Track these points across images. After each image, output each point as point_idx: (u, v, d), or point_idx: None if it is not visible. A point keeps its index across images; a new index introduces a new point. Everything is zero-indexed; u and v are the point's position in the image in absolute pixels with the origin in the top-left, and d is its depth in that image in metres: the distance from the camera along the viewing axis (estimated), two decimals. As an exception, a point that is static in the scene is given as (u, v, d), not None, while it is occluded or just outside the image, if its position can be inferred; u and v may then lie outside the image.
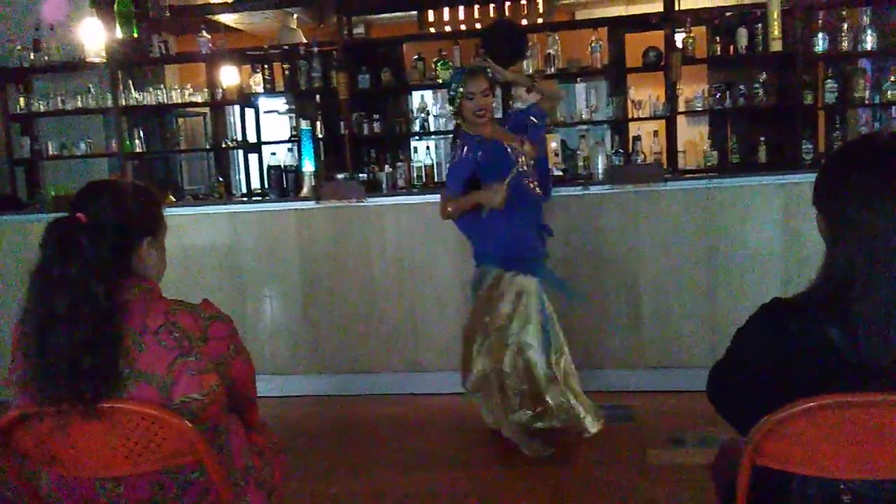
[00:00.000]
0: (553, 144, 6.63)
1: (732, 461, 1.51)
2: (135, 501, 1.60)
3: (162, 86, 6.65)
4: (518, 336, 3.32)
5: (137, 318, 1.56)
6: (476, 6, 7.06)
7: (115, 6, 5.07)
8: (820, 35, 5.54)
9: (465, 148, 3.33)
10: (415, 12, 7.07)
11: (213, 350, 1.62)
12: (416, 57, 6.40)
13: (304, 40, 6.94)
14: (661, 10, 5.73)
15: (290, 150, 6.63)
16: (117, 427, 1.50)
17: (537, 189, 3.45)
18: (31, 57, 6.32)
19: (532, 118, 3.53)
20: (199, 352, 1.58)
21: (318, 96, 6.52)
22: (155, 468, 1.56)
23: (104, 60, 5.93)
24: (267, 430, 1.97)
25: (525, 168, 3.37)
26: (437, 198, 3.75)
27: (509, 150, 3.35)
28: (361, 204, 4.35)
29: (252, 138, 6.71)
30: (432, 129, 6.53)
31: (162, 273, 1.75)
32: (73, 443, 1.53)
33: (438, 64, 6.29)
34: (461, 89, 3.34)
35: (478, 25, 6.79)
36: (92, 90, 6.41)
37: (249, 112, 6.68)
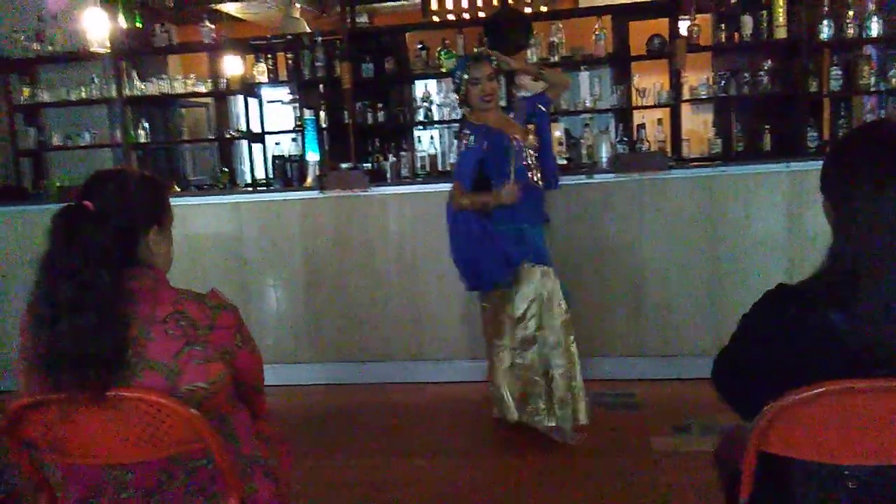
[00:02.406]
0: (557, 133, 6.61)
1: (736, 448, 1.51)
2: (142, 488, 1.61)
3: (165, 76, 6.65)
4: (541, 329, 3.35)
5: (145, 306, 1.57)
6: (480, -6, 7.02)
7: (118, -4, 5.07)
8: (825, 22, 5.52)
9: (473, 137, 3.32)
10: (418, 1, 7.03)
11: (219, 339, 1.62)
12: (420, 46, 6.39)
13: (308, 30, 6.92)
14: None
15: (294, 139, 6.63)
16: (124, 415, 1.51)
17: (540, 181, 3.43)
18: (36, 47, 6.32)
19: (540, 105, 3.51)
20: (205, 341, 1.59)
21: (321, 86, 6.51)
22: (162, 455, 1.57)
23: (108, 50, 5.93)
24: (272, 419, 1.98)
25: (528, 161, 3.36)
26: (441, 187, 3.76)
27: (512, 142, 3.31)
28: (365, 193, 4.35)
29: (256, 128, 6.71)
30: (436, 118, 6.51)
31: (169, 262, 1.75)
32: (81, 430, 1.54)
33: (442, 53, 6.27)
34: (465, 76, 3.33)
35: (481, 14, 6.75)
36: (96, 80, 6.42)
37: (253, 102, 6.68)
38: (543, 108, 3.52)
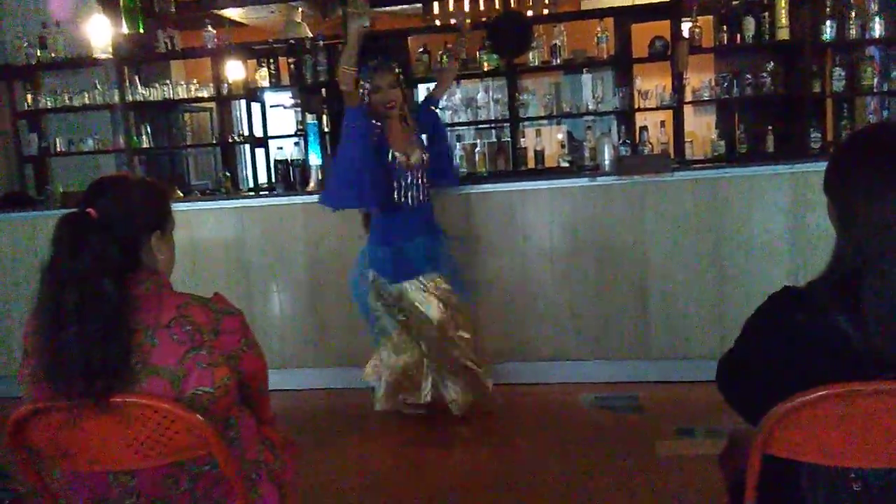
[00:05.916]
0: (559, 136, 6.62)
1: (742, 451, 1.51)
2: (147, 494, 1.61)
3: (168, 81, 6.67)
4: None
5: (149, 312, 1.57)
6: (481, -3, 7.03)
7: (121, 2, 5.08)
8: (827, 23, 5.52)
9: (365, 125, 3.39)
10: (420, 4, 7.04)
11: (224, 344, 1.63)
12: (422, 50, 6.39)
13: (310, 34, 6.93)
14: (667, -1, 5.72)
15: (296, 144, 6.62)
16: (129, 421, 1.51)
17: (421, 199, 3.54)
18: (38, 54, 6.35)
19: (432, 107, 3.77)
20: (210, 345, 1.59)
21: (323, 90, 6.51)
22: (167, 461, 1.57)
23: (110, 56, 5.94)
24: (277, 424, 1.98)
25: (404, 182, 3.48)
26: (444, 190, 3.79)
27: (397, 163, 3.46)
28: (368, 197, 4.34)
29: (258, 133, 6.72)
30: (438, 121, 6.50)
31: (172, 267, 1.76)
32: (85, 437, 1.53)
33: (444, 57, 6.27)
34: (367, 84, 3.37)
35: (483, 18, 6.75)
36: (98, 86, 6.44)
37: (255, 106, 6.69)
38: (434, 108, 3.79)
